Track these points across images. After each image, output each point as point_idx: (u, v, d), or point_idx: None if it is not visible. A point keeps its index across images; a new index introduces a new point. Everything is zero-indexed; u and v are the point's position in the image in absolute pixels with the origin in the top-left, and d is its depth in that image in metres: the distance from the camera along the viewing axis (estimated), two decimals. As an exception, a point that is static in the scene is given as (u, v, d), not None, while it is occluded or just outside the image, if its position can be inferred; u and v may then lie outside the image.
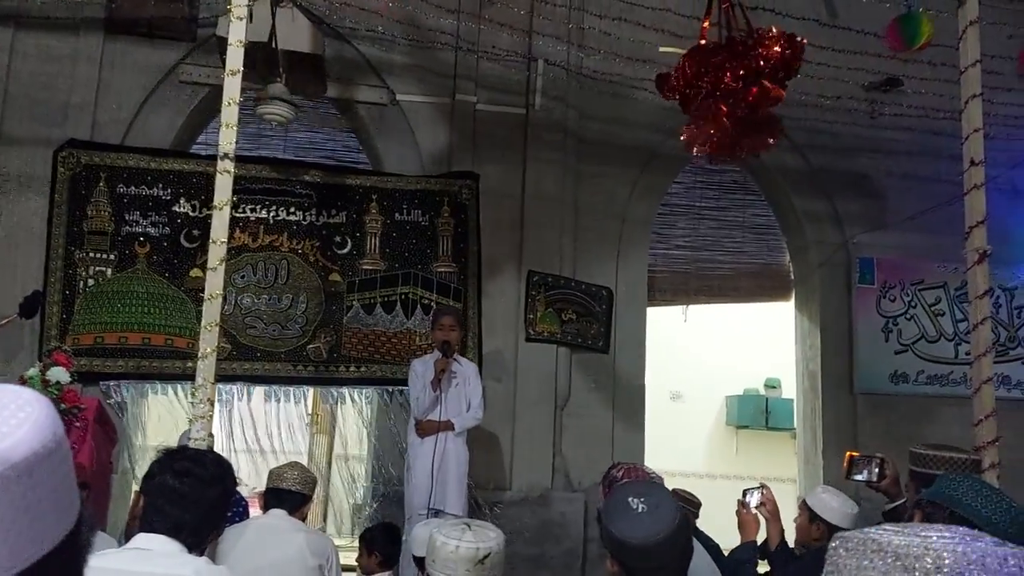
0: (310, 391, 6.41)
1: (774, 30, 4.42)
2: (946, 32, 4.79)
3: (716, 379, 9.46)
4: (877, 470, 2.85)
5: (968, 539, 0.71)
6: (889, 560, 0.72)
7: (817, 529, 3.49)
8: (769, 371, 9.46)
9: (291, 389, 6.18)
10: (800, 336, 7.57)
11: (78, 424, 4.53)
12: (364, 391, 6.27)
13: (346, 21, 6.37)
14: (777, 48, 4.28)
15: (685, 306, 8.56)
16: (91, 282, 5.86)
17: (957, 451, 3.23)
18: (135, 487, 5.36)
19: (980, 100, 3.94)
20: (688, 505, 4.41)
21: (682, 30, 5.43)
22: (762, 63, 4.22)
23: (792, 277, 7.64)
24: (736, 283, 7.63)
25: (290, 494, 3.67)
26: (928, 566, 0.70)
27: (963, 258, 3.86)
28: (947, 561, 0.69)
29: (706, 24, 4.66)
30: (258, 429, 6.14)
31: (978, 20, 4.07)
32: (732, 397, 9.57)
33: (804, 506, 3.62)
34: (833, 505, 3.51)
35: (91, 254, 5.89)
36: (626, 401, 6.75)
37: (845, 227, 7.31)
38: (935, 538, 0.71)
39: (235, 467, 2.66)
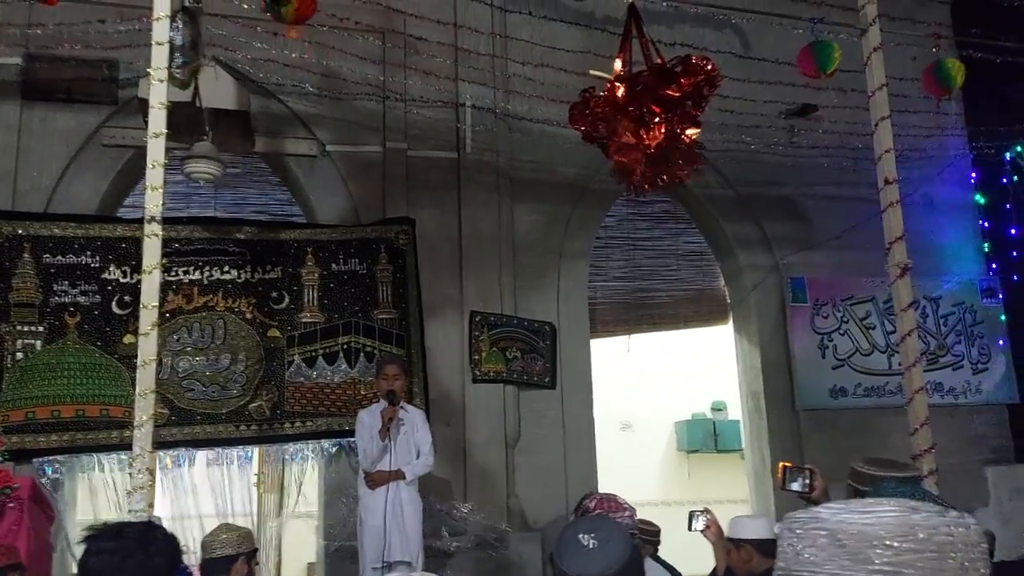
0: (255, 451, 6.27)
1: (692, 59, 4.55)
2: (853, 58, 5.00)
3: (664, 406, 9.52)
4: (808, 481, 2.89)
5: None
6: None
7: (747, 553, 3.51)
8: (714, 394, 9.56)
9: (235, 450, 6.05)
10: (741, 358, 7.70)
11: (12, 505, 4.37)
12: (310, 445, 6.17)
13: (272, 77, 6.36)
14: (696, 74, 4.40)
15: (627, 336, 8.64)
16: (20, 356, 5.67)
17: (899, 468, 3.26)
18: (74, 567, 5.16)
19: (889, 121, 4.14)
20: (647, 535, 4.40)
21: (602, 70, 5.56)
22: (677, 92, 4.34)
23: (728, 301, 7.79)
24: (675, 310, 7.76)
25: (222, 559, 3.62)
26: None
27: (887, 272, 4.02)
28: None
29: (618, 64, 4.78)
30: (203, 494, 5.98)
31: (881, 46, 4.28)
32: (681, 422, 9.64)
33: (728, 541, 3.64)
34: (746, 524, 3.58)
35: (19, 327, 5.71)
36: (577, 435, 6.76)
37: (775, 249, 7.51)
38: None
39: (181, 536, 2.59)
